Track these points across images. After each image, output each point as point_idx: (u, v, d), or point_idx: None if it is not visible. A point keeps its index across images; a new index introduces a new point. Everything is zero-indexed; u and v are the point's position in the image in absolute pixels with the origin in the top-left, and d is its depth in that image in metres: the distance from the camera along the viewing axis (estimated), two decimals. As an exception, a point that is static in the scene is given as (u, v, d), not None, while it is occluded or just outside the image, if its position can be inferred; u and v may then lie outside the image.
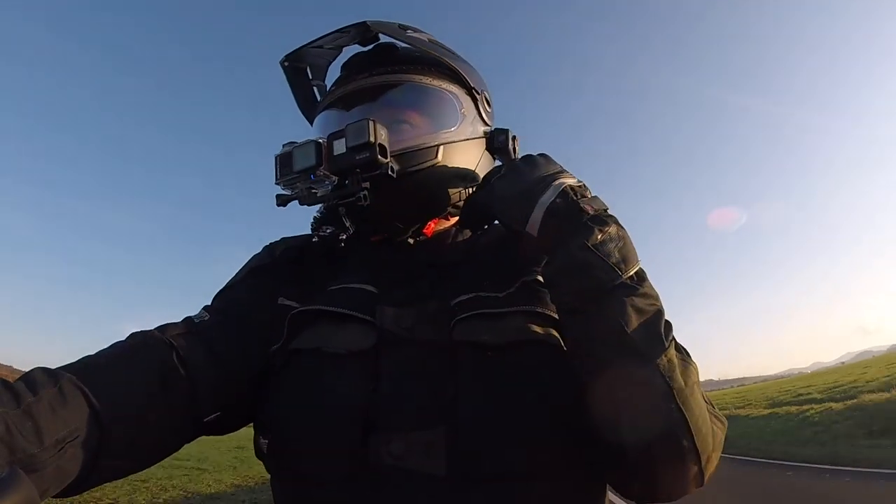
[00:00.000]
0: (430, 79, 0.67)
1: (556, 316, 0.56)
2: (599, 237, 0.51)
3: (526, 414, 0.51)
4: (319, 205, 0.62)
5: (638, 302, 0.49)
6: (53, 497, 0.44)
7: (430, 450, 0.49)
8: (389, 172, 0.58)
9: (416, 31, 0.69)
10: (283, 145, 0.61)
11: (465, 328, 0.54)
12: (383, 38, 0.70)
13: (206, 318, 0.60)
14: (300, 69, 0.73)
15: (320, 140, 0.58)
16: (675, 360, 0.48)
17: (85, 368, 0.50)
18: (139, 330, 0.57)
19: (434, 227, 0.67)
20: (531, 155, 0.59)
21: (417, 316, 0.56)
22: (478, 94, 0.71)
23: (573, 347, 0.53)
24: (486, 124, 0.72)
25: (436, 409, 0.51)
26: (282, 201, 0.62)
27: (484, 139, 0.70)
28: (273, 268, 0.66)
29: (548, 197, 0.53)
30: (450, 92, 0.68)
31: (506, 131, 0.71)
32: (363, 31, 0.68)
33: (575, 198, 0.54)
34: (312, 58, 0.73)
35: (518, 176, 0.57)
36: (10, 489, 0.34)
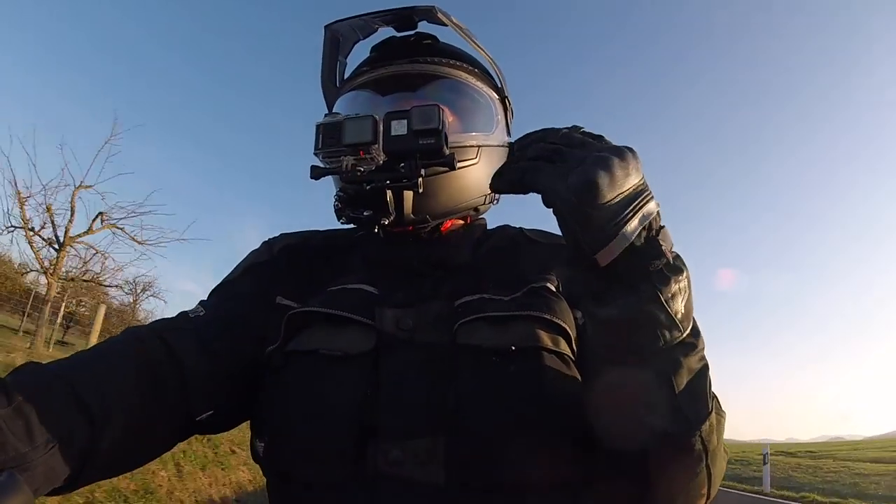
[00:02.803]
0: (474, 79, 0.66)
1: (564, 324, 0.55)
2: (673, 289, 0.44)
3: (529, 423, 0.50)
4: (355, 185, 0.58)
5: (693, 361, 0.45)
6: (46, 495, 0.44)
7: (428, 458, 0.48)
8: (454, 165, 0.55)
9: (467, 30, 0.67)
10: (326, 115, 0.57)
11: (469, 331, 0.53)
12: (421, 27, 0.68)
13: (202, 314, 0.59)
14: (336, 39, 0.69)
15: (376, 117, 0.54)
16: (714, 421, 0.46)
17: (76, 365, 0.50)
18: (134, 325, 0.57)
19: (449, 225, 0.65)
20: (623, 148, 0.44)
21: (419, 317, 0.55)
22: (509, 102, 0.70)
23: (600, 395, 0.49)
24: (509, 135, 0.71)
25: (436, 416, 0.50)
26: (317, 174, 0.58)
27: (507, 149, 0.67)
28: (271, 265, 0.65)
29: (634, 229, 0.43)
30: (489, 96, 0.67)
31: None
32: (421, 16, 0.65)
33: (655, 233, 0.44)
34: (348, 30, 0.68)
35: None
36: (8, 494, 0.35)
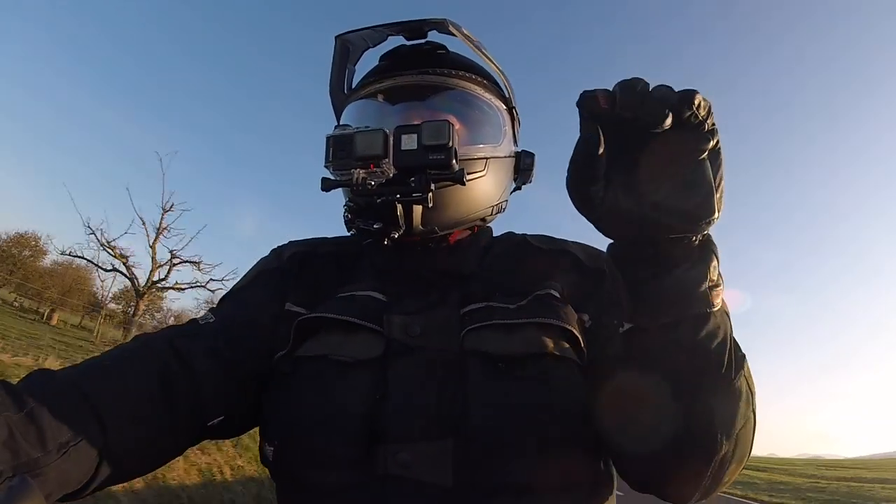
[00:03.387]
0: (482, 90, 0.66)
1: (570, 328, 0.55)
2: (717, 261, 0.45)
3: (535, 427, 0.50)
4: (365, 198, 0.58)
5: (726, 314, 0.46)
6: (57, 501, 0.44)
7: (437, 461, 0.49)
8: (464, 180, 0.56)
9: (477, 42, 0.67)
10: (336, 127, 0.58)
11: (476, 338, 0.53)
12: (431, 36, 0.68)
13: (212, 321, 0.60)
14: (346, 48, 0.69)
15: (387, 131, 0.55)
16: (747, 363, 0.47)
17: (87, 372, 0.51)
18: (144, 333, 0.58)
19: (457, 234, 0.66)
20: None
21: (426, 324, 0.55)
22: (516, 113, 0.71)
23: (621, 397, 0.48)
24: (516, 144, 0.71)
25: (444, 420, 0.50)
26: (328, 186, 0.58)
27: (514, 160, 0.69)
28: (280, 272, 0.66)
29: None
30: (497, 107, 0.67)
31: (532, 155, 0.70)
32: (432, 27, 0.65)
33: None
34: (357, 40, 0.69)
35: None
36: (21, 497, 0.35)
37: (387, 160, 0.54)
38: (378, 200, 0.56)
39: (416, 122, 0.56)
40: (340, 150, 0.55)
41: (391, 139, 0.55)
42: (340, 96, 0.72)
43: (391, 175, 0.55)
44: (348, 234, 0.63)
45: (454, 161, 0.55)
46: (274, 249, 0.70)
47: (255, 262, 0.69)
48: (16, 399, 0.43)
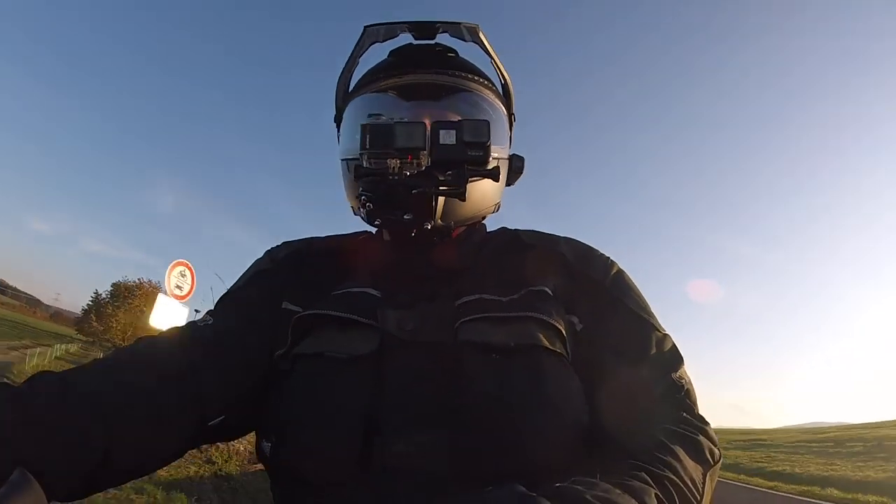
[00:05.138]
0: (492, 95, 0.69)
1: (559, 326, 0.56)
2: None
3: (530, 416, 0.51)
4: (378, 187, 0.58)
5: None
6: (60, 500, 0.45)
7: (433, 451, 0.49)
8: (498, 177, 0.59)
9: (491, 49, 0.69)
10: (369, 116, 0.60)
11: (470, 329, 0.54)
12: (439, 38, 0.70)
13: (211, 323, 0.60)
14: (369, 41, 0.70)
15: (426, 124, 0.57)
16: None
17: (90, 374, 0.51)
18: (146, 335, 0.58)
19: (457, 231, 0.67)
20: None
21: (421, 318, 0.56)
22: (514, 118, 0.73)
23: (612, 395, 0.54)
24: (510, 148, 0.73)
25: (439, 411, 0.50)
26: (362, 174, 0.58)
27: (508, 162, 0.71)
28: (275, 272, 0.66)
29: None
30: (502, 111, 0.70)
31: (523, 158, 0.72)
32: (448, 31, 0.68)
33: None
34: (374, 33, 0.70)
35: None
36: (20, 492, 0.35)
37: (424, 152, 0.56)
38: (414, 192, 0.57)
39: (453, 119, 0.58)
40: (378, 139, 0.56)
41: (429, 132, 0.57)
42: (345, 86, 0.72)
43: (423, 168, 0.57)
44: (369, 225, 0.64)
45: (490, 158, 0.57)
46: (268, 251, 0.70)
47: (249, 264, 0.69)
48: (20, 399, 0.44)
